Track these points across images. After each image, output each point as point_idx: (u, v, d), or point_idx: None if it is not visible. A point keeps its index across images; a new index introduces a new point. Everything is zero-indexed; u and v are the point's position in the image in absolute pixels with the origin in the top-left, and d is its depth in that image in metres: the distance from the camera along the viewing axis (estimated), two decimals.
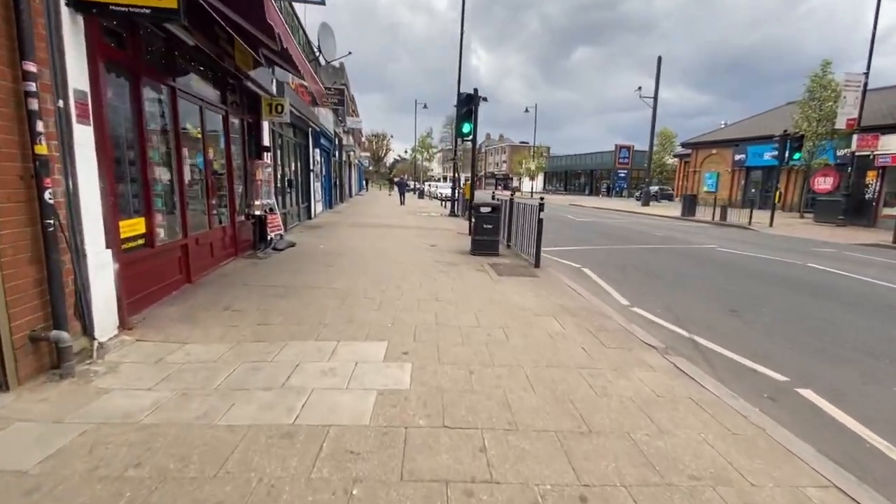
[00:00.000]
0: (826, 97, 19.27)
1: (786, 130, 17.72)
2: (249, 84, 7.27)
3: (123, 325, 3.76)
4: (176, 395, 2.76)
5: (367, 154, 62.01)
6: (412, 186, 40.28)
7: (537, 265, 7.22)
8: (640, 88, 30.01)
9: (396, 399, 2.76)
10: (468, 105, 10.54)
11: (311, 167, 14.69)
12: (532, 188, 50.74)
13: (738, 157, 28.76)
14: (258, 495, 1.91)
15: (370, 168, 64.51)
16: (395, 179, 41.88)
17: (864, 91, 16.56)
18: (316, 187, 15.79)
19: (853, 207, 17.27)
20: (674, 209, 25.25)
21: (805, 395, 3.36)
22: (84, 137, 3.31)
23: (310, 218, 14.34)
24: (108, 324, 3.57)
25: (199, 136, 5.73)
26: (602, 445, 2.37)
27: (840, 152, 20.73)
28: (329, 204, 19.78)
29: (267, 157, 8.38)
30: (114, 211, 3.69)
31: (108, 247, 3.58)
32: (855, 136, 17.04)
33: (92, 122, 3.40)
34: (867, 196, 18.02)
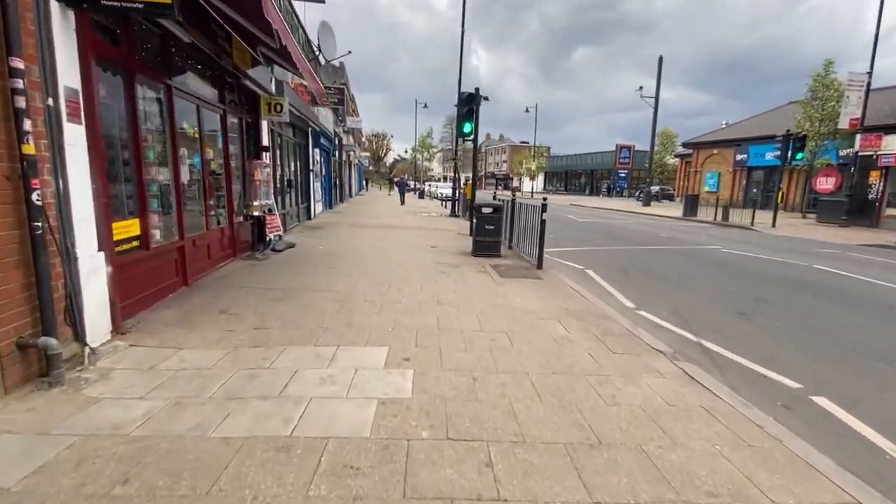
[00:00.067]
0: (828, 97, 19.17)
1: (788, 130, 17.61)
2: (248, 83, 7.16)
3: (117, 330, 3.65)
4: (169, 404, 2.66)
5: (367, 154, 61.90)
6: (412, 186, 40.16)
7: (540, 267, 7.11)
8: (640, 88, 29.95)
9: (398, 409, 2.66)
10: (469, 105, 10.43)
11: (311, 167, 14.59)
12: (532, 188, 50.60)
13: (739, 157, 28.66)
14: None
15: (370, 168, 64.41)
16: (396, 179, 41.79)
17: (868, 91, 16.46)
18: (315, 187, 15.68)
19: (856, 208, 17.17)
20: (675, 209, 25.15)
21: (819, 402, 3.25)
22: (75, 137, 3.20)
23: (309, 218, 14.23)
24: (101, 329, 3.47)
25: (197, 135, 5.62)
26: (613, 459, 2.27)
27: (842, 152, 20.65)
28: (329, 204, 19.67)
29: (266, 157, 8.28)
30: (107, 212, 3.59)
31: (100, 249, 3.47)
32: (858, 136, 16.94)
33: (83, 121, 3.29)
34: (870, 196, 17.92)
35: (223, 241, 6.60)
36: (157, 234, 4.68)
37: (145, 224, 4.36)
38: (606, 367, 3.42)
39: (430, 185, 45.48)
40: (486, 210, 8.19)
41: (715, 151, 31.47)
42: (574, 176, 61.75)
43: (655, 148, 32.96)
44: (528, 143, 64.22)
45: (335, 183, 22.22)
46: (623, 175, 49.85)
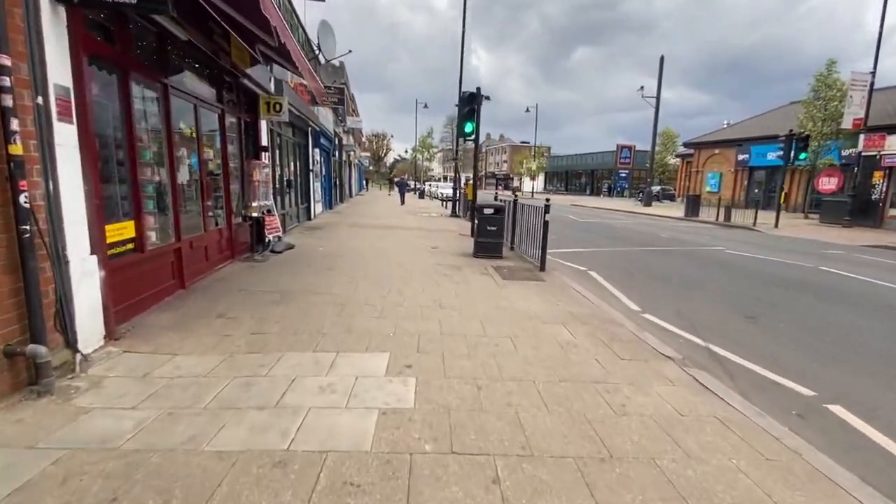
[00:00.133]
0: (831, 97, 19.06)
1: (791, 130, 17.49)
2: (246, 82, 7.06)
3: (110, 336, 3.55)
4: (162, 414, 2.55)
5: (368, 154, 61.78)
6: (412, 186, 40.05)
7: (543, 269, 7.01)
8: (642, 88, 29.88)
9: (400, 420, 2.55)
10: (470, 104, 10.34)
11: (311, 167, 14.48)
12: (533, 188, 50.49)
13: (741, 157, 28.54)
14: None
15: (370, 168, 64.29)
16: (396, 179, 41.67)
17: (871, 90, 16.35)
18: (315, 187, 15.58)
19: (859, 208, 17.06)
20: (676, 209, 25.04)
21: (835, 411, 3.15)
22: (66, 136, 3.09)
23: (309, 219, 14.13)
24: (93, 334, 3.36)
25: (194, 135, 5.52)
26: (626, 474, 2.16)
27: (845, 152, 20.53)
28: (329, 204, 19.57)
29: (265, 157, 8.17)
30: (99, 214, 3.48)
31: (93, 252, 3.36)
32: (861, 136, 16.83)
33: (75, 120, 3.19)
34: (874, 197, 17.79)
35: (221, 242, 6.49)
36: (152, 236, 4.57)
37: (140, 226, 4.25)
38: (614, 374, 3.31)
39: (430, 186, 45.35)
40: (487, 211, 8.08)
41: (716, 151, 31.35)
42: (574, 176, 61.63)
43: (656, 148, 32.83)
44: (528, 143, 64.13)
45: (335, 183, 22.12)
46: (624, 175, 49.72)
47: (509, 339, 3.96)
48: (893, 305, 6.00)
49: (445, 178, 68.56)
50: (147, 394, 2.79)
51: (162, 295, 4.65)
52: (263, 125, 8.33)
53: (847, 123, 16.88)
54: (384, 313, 4.55)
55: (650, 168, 32.23)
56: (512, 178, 67.98)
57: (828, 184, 20.78)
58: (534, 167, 49.87)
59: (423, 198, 34.74)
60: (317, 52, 11.25)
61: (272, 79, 8.57)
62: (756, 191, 27.32)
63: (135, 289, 4.15)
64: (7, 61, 2.56)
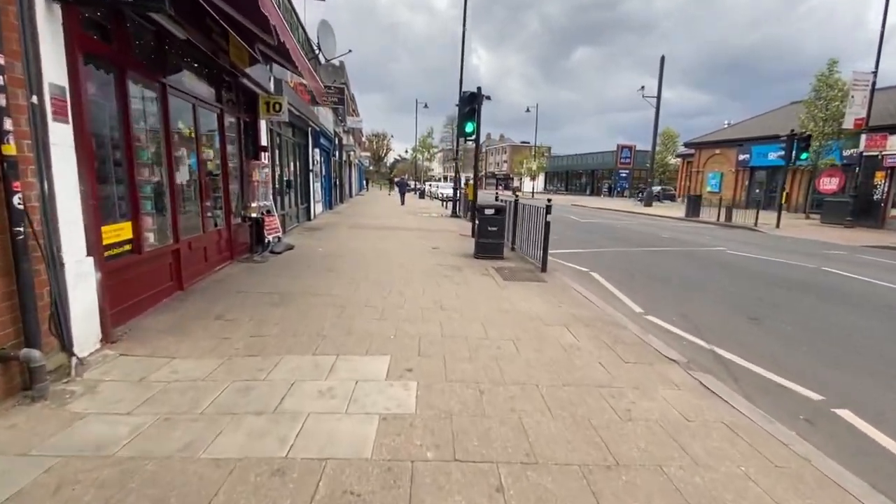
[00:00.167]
0: (833, 97, 19.02)
1: (793, 130, 17.43)
2: (246, 81, 7.01)
3: (106, 339, 3.50)
4: (158, 420, 2.50)
5: (368, 154, 61.72)
6: (413, 186, 40.00)
7: (544, 269, 6.96)
8: (643, 88, 29.85)
9: (401, 426, 2.50)
10: (471, 104, 10.29)
11: (311, 167, 14.43)
12: (533, 188, 50.44)
13: (742, 157, 28.48)
14: None
15: (370, 168, 64.23)
16: (396, 179, 41.62)
17: (873, 90, 16.30)
18: (315, 188, 15.53)
19: (861, 208, 17.00)
20: (676, 210, 24.99)
21: (843, 416, 3.09)
22: (61, 136, 3.04)
23: (309, 219, 14.08)
24: (89, 337, 3.31)
25: (193, 135, 5.47)
26: (633, 482, 2.11)
27: (846, 152, 20.48)
28: (329, 204, 19.52)
29: (264, 157, 8.12)
30: (96, 215, 3.43)
31: (89, 254, 3.31)
32: (863, 136, 16.79)
33: (71, 120, 3.14)
34: (875, 197, 17.73)
35: (220, 243, 6.44)
36: (150, 238, 4.52)
37: (138, 227, 4.20)
38: (619, 378, 3.26)
39: (430, 186, 45.28)
40: (488, 211, 8.03)
41: (717, 151, 31.30)
42: (575, 176, 61.56)
43: (657, 148, 32.77)
44: (528, 143, 64.07)
45: (335, 183, 22.07)
46: (624, 175, 49.66)
47: (511, 341, 3.91)
48: None
49: (445, 178, 68.51)
50: (143, 398, 2.74)
51: (160, 297, 4.60)
52: (263, 125, 8.28)
53: (849, 123, 16.83)
54: (385, 315, 4.49)
55: (651, 168, 32.17)
56: (512, 179, 67.93)
57: (829, 184, 20.73)
58: (534, 167, 49.80)
59: (423, 198, 34.69)
60: (317, 51, 11.20)
61: (272, 78, 8.52)
62: (757, 191, 27.26)
63: (132, 291, 4.10)
64: (1, 60, 2.51)
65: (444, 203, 26.50)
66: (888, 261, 9.80)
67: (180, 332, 3.87)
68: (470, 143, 11.48)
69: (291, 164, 12.22)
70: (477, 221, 8.59)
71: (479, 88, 10.29)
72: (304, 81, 10.93)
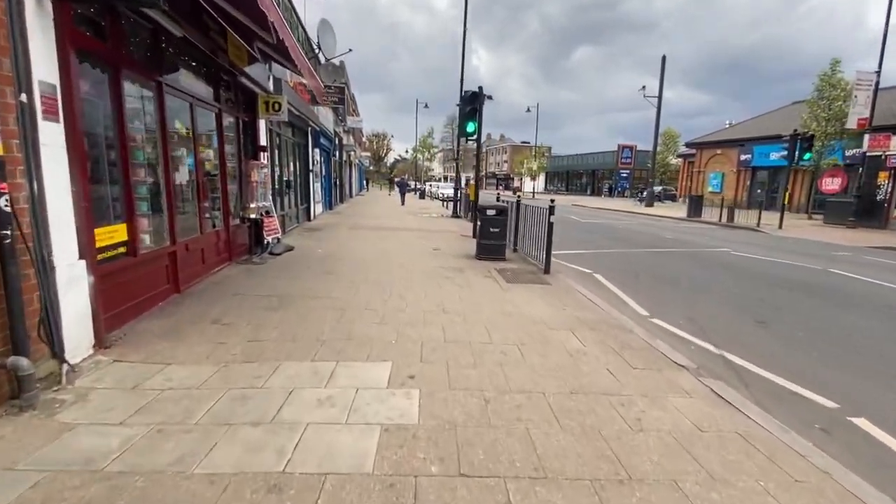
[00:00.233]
0: (835, 96, 18.91)
1: (796, 130, 17.33)
2: (245, 80, 6.91)
3: (99, 344, 3.40)
4: (150, 431, 2.40)
5: (368, 154, 61.65)
6: (413, 186, 39.89)
7: (547, 271, 6.86)
8: (644, 88, 29.75)
9: (403, 437, 2.40)
10: (472, 104, 10.18)
11: (311, 167, 14.33)
12: (533, 188, 50.33)
13: (743, 157, 28.36)
14: None
15: (371, 168, 64.15)
16: (396, 180, 41.53)
17: (876, 90, 16.19)
18: (315, 188, 15.43)
19: (864, 209, 16.88)
20: (678, 210, 24.88)
21: (860, 424, 3.00)
22: (52, 136, 2.95)
23: (309, 220, 13.98)
24: (82, 343, 3.21)
25: (190, 135, 5.37)
26: (647, 499, 2.01)
27: (849, 152, 20.38)
28: (329, 205, 19.42)
29: (264, 158, 8.02)
30: (88, 217, 3.34)
31: (81, 257, 3.22)
32: (866, 136, 16.67)
33: (62, 119, 3.04)
34: (878, 197, 17.61)
35: (218, 244, 6.34)
36: (146, 239, 4.42)
37: (133, 229, 4.10)
38: (628, 386, 3.16)
39: (430, 186, 45.17)
40: (490, 212, 7.93)
41: (718, 151, 31.18)
42: (575, 176, 61.43)
43: (658, 148, 32.65)
44: (528, 142, 63.95)
45: (335, 183, 21.97)
46: (625, 175, 49.53)
47: (516, 346, 3.81)
48: None
49: (446, 178, 68.43)
50: (136, 408, 2.64)
51: (156, 300, 4.50)
52: (262, 125, 8.18)
53: (852, 123, 16.71)
54: (385, 319, 4.39)
55: (652, 168, 32.03)
56: (512, 179, 67.82)
57: (831, 184, 20.64)
58: (535, 167, 49.69)
59: (423, 198, 34.58)
60: (316, 50, 11.09)
61: (271, 77, 8.42)
62: (759, 191, 27.15)
63: (127, 294, 4.00)
64: None
65: (445, 203, 26.38)
66: (894, 262, 9.69)
67: (176, 336, 3.77)
68: (471, 142, 11.38)
69: (291, 165, 12.11)
70: (479, 222, 8.49)
71: (480, 88, 10.19)
72: (304, 81, 10.84)
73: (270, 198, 8.16)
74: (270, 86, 8.35)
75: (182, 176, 5.23)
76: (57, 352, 2.94)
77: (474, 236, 9.86)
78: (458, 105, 14.22)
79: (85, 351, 3.25)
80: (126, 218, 4.04)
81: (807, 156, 16.93)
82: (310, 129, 13.97)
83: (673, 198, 38.27)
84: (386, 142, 71.56)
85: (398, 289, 5.58)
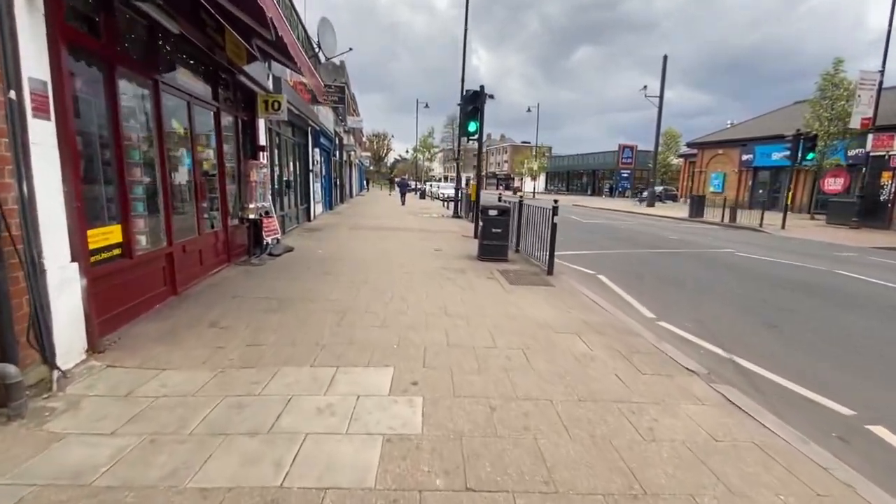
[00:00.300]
0: (838, 96, 18.79)
1: (798, 130, 17.22)
2: (243, 79, 6.81)
3: (93, 349, 3.30)
4: (143, 441, 2.30)
5: (368, 154, 61.55)
6: (413, 187, 39.79)
7: (550, 272, 6.76)
8: (645, 87, 29.66)
9: (407, 448, 2.30)
10: (474, 103, 10.08)
11: (311, 167, 14.23)
12: (534, 188, 50.21)
13: (745, 157, 28.24)
14: None
15: (371, 168, 64.04)
16: (397, 180, 41.42)
17: (880, 89, 16.08)
18: (315, 188, 15.33)
19: (867, 209, 16.77)
20: (679, 210, 24.78)
21: (878, 433, 2.90)
22: (43, 134, 2.85)
23: (309, 220, 13.88)
24: (74, 348, 3.12)
25: (187, 134, 5.27)
26: None
27: (851, 152, 20.27)
28: (329, 205, 19.32)
29: (263, 157, 7.92)
30: (81, 218, 3.24)
31: (74, 259, 3.12)
32: (870, 136, 16.55)
33: (53, 117, 2.94)
34: (882, 198, 17.51)
35: (217, 245, 6.24)
36: (142, 241, 4.32)
37: (128, 230, 4.00)
38: (638, 392, 3.06)
39: (431, 186, 45.06)
40: (492, 212, 7.83)
41: (720, 151, 31.06)
42: (576, 176, 61.30)
43: (659, 148, 32.53)
44: (529, 142, 63.82)
45: (335, 183, 21.87)
46: (626, 175, 49.41)
47: (521, 350, 3.71)
48: None
49: (446, 178, 68.30)
50: (129, 416, 2.54)
51: (152, 302, 4.40)
52: (261, 124, 8.08)
53: (855, 123, 16.58)
54: (387, 322, 4.30)
55: (653, 168, 31.89)
56: (512, 179, 67.71)
57: (833, 184, 20.54)
58: (535, 167, 49.57)
59: (423, 198, 34.48)
60: (317, 49, 10.99)
61: (270, 76, 8.32)
62: (760, 191, 27.02)
63: (122, 297, 3.90)
64: None
65: (446, 203, 26.28)
66: None
67: (172, 340, 3.67)
68: (472, 142, 11.28)
69: (291, 164, 12.01)
70: (481, 223, 8.38)
71: (482, 87, 10.09)
72: (304, 79, 10.74)
73: (270, 198, 8.06)
74: (270, 84, 8.25)
75: (179, 176, 5.14)
76: (48, 357, 2.84)
77: (475, 237, 9.77)
78: (458, 104, 14.12)
79: (77, 356, 3.15)
80: (121, 219, 3.94)
81: (810, 156, 16.82)
82: (310, 128, 13.87)
83: (674, 198, 38.15)
84: (386, 142, 71.49)
85: (399, 291, 5.49)
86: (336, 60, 19.22)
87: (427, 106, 38.60)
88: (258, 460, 2.16)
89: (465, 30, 15.32)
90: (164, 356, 3.37)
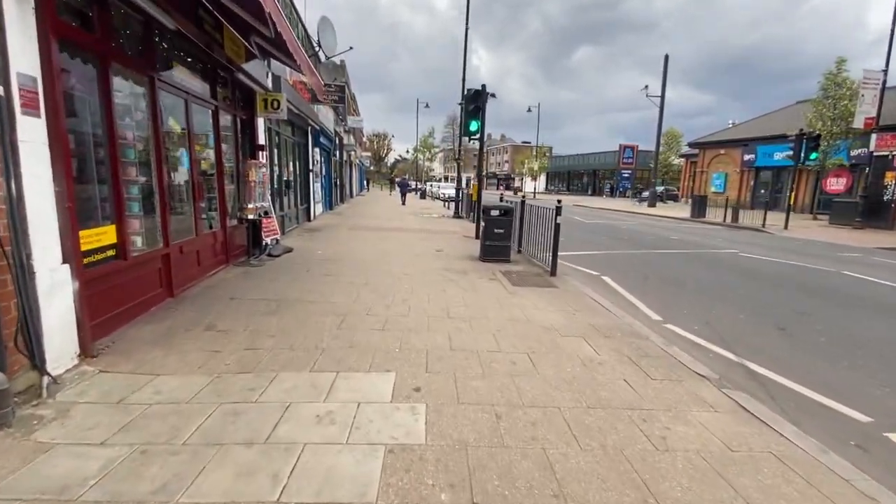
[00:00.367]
0: (841, 95, 18.67)
1: (801, 130, 17.12)
2: (242, 77, 6.71)
3: (85, 353, 3.20)
4: (133, 452, 2.20)
5: (368, 154, 61.47)
6: (414, 187, 39.70)
7: (554, 273, 6.66)
8: (646, 87, 29.56)
9: (410, 459, 2.20)
10: (476, 102, 9.98)
11: (311, 167, 14.14)
12: (535, 188, 50.10)
13: (747, 157, 28.14)
14: None
15: (371, 168, 63.96)
16: (397, 180, 41.33)
17: (883, 89, 15.97)
18: (315, 188, 15.23)
19: (871, 209, 16.65)
20: (680, 210, 24.68)
21: None
22: (32, 132, 2.75)
23: (309, 220, 13.78)
24: (65, 353, 3.02)
25: (185, 133, 5.17)
26: None
27: (854, 152, 20.16)
28: (329, 205, 19.22)
29: (262, 157, 7.83)
30: (73, 219, 3.13)
31: (65, 261, 3.02)
32: (873, 136, 16.44)
33: (43, 114, 2.85)
34: (885, 198, 17.38)
35: (215, 246, 6.14)
36: (137, 242, 4.23)
37: (123, 231, 3.90)
38: (648, 398, 2.96)
39: (431, 186, 44.96)
40: (494, 213, 7.73)
41: (722, 151, 30.95)
42: (576, 176, 61.18)
43: (660, 148, 32.42)
44: (529, 142, 63.73)
45: (336, 183, 21.78)
46: (626, 175, 49.28)
47: (526, 355, 3.61)
48: None
49: (447, 179, 68.25)
50: (120, 425, 2.44)
51: (147, 305, 4.30)
52: (261, 123, 7.99)
53: (858, 123, 16.48)
54: (388, 325, 4.20)
55: (654, 168, 31.78)
56: (513, 179, 67.61)
57: (836, 184, 20.44)
58: (536, 167, 49.45)
59: (424, 198, 34.39)
60: (317, 48, 10.90)
61: (269, 75, 8.22)
62: (762, 191, 26.91)
63: (116, 299, 3.80)
64: None
65: (446, 204, 26.18)
66: None
67: (168, 344, 3.57)
68: (472, 142, 11.18)
69: (290, 164, 11.92)
70: (483, 224, 8.28)
71: (483, 86, 9.99)
72: (304, 78, 10.65)
73: (269, 198, 7.97)
74: (269, 83, 8.15)
75: (177, 175, 5.04)
76: (37, 363, 2.74)
77: (477, 237, 9.68)
78: (459, 104, 14.04)
79: (69, 361, 3.05)
80: (115, 219, 3.84)
81: (813, 155, 16.71)
82: (310, 128, 13.77)
83: (675, 198, 38.04)
84: (386, 142, 71.41)
85: (401, 292, 5.39)
86: (336, 60, 19.12)
87: (427, 106, 38.55)
88: (254, 472, 2.06)
89: (466, 29, 15.23)
90: (159, 361, 3.27)
